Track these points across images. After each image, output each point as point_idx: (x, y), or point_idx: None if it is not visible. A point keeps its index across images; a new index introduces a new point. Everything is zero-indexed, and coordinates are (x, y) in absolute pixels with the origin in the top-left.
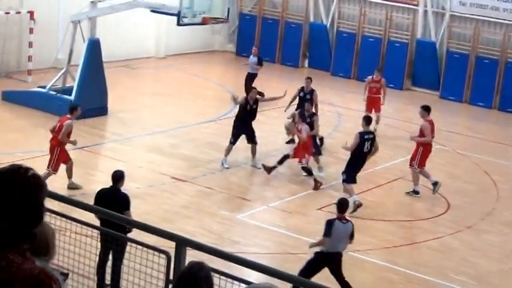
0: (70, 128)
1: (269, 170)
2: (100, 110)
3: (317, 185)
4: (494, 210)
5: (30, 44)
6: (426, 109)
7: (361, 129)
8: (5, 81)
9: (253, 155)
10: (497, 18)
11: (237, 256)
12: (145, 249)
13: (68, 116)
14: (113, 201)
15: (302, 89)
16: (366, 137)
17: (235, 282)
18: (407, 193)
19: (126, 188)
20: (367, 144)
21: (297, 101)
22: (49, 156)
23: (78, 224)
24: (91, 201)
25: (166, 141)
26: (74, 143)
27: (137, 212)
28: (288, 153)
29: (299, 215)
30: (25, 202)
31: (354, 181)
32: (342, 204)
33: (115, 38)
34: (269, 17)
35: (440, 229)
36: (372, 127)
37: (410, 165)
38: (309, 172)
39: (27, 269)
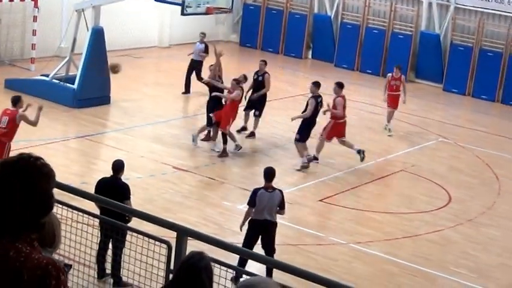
0: (24, 118)
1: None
2: (102, 99)
3: (223, 155)
4: (496, 204)
5: (34, 32)
6: (340, 86)
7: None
8: (8, 69)
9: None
10: (501, 11)
11: (238, 247)
12: (146, 238)
13: (13, 108)
14: (113, 191)
15: (256, 72)
16: (318, 100)
17: (235, 272)
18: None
19: (127, 177)
20: (319, 107)
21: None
22: None
23: (79, 213)
24: (92, 190)
25: (168, 131)
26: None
27: (138, 201)
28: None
29: (299, 206)
30: (35, 191)
31: (305, 140)
32: (268, 173)
33: (118, 27)
34: (273, 8)
35: (441, 222)
36: (384, 123)
37: (320, 134)
38: (226, 141)
39: (35, 258)
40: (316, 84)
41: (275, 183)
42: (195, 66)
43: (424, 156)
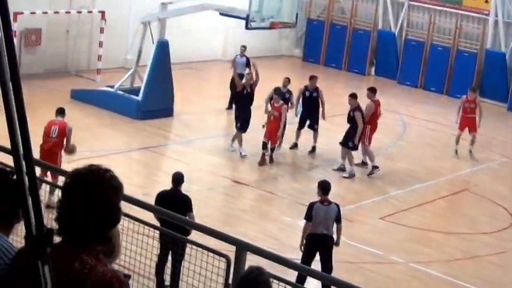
0: (70, 133)
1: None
2: (166, 111)
3: (263, 160)
4: None
5: (100, 44)
6: (372, 90)
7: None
8: (75, 79)
9: (239, 143)
10: None
11: (296, 263)
12: (205, 252)
13: (61, 118)
14: (173, 203)
15: (306, 87)
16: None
17: None
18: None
19: (187, 189)
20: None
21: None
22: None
23: (141, 224)
24: (153, 202)
25: (228, 144)
26: (73, 148)
27: (197, 214)
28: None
29: (360, 223)
30: (104, 204)
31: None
32: (323, 186)
33: (183, 40)
34: (337, 23)
35: (503, 244)
36: (467, 148)
37: (362, 142)
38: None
39: (100, 271)
40: (354, 96)
41: (334, 199)
42: (241, 79)
43: (487, 176)
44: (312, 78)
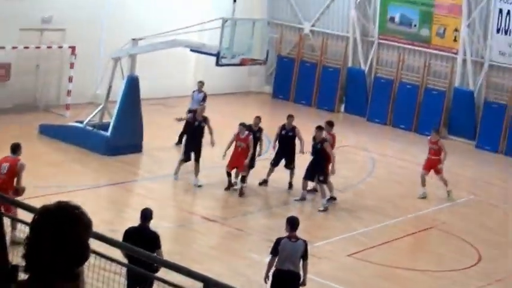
0: (22, 169)
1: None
2: (135, 147)
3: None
4: None
5: (70, 79)
6: (330, 124)
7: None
8: (43, 114)
9: (195, 174)
10: None
11: None
12: None
13: (14, 156)
14: (141, 239)
15: (283, 126)
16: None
17: None
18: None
19: (156, 226)
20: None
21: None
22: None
23: (108, 261)
24: (121, 238)
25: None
26: (22, 189)
27: (166, 251)
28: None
29: (328, 260)
30: (73, 241)
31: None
32: (292, 222)
33: (153, 76)
34: (307, 61)
35: (470, 281)
36: (442, 191)
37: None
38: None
39: None
40: (320, 128)
41: (303, 235)
42: None
43: (454, 213)
44: (289, 117)
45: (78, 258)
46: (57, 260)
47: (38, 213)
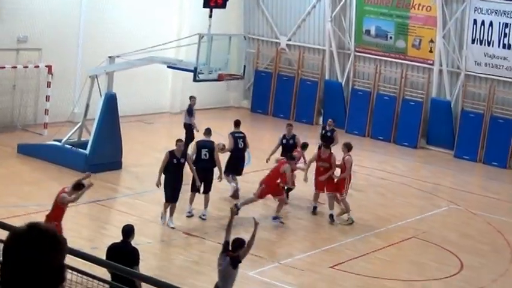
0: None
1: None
2: (114, 164)
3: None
4: (508, 271)
5: (47, 98)
6: (347, 146)
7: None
8: (21, 133)
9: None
10: None
11: None
12: None
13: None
14: (123, 256)
15: (284, 136)
16: (236, 135)
17: None
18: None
19: (138, 242)
20: (239, 141)
21: (280, 149)
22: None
23: (89, 279)
24: (102, 255)
25: (179, 196)
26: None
27: (148, 266)
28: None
29: (310, 272)
30: (48, 263)
31: (236, 173)
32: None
33: (131, 93)
34: (284, 74)
35: None
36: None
37: (341, 193)
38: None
39: None
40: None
41: (286, 248)
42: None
43: (435, 222)
44: (288, 126)
45: (54, 280)
46: (32, 284)
47: (9, 237)
